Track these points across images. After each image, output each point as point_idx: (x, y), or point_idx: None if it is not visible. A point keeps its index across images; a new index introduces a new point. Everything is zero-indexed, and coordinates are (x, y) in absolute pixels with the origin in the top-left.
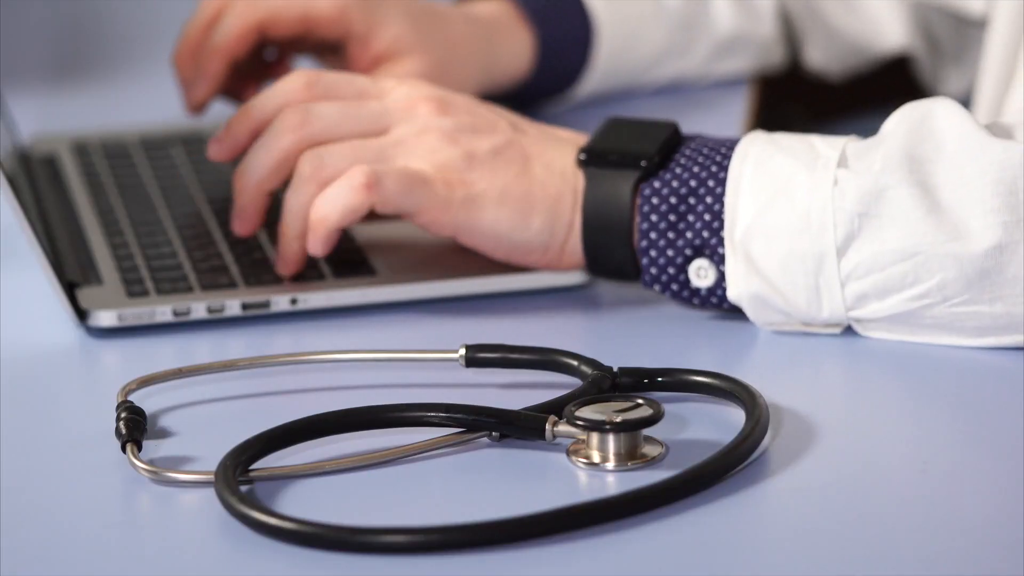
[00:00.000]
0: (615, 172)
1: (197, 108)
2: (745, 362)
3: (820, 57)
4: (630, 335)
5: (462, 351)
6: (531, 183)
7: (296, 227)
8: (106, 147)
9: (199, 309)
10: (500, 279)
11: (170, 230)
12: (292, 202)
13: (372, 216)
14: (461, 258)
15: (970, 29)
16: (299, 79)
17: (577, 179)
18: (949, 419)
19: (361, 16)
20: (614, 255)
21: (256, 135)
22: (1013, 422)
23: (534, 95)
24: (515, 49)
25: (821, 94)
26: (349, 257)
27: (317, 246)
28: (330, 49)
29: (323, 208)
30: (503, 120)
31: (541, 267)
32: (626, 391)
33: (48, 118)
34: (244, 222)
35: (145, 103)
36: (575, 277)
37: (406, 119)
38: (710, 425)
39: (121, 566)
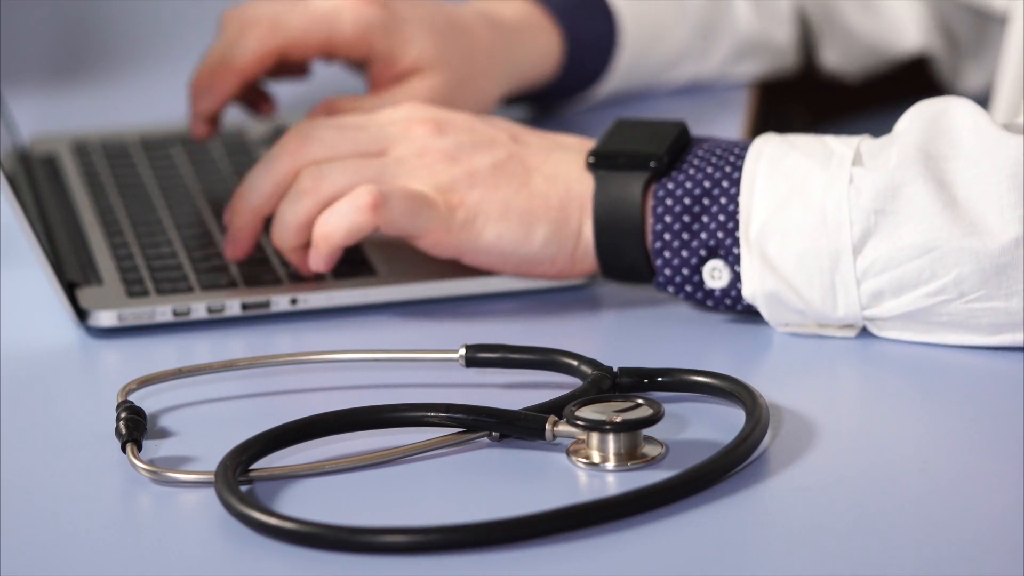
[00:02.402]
0: (625, 174)
1: (203, 126)
2: (745, 362)
3: (836, 59)
4: (630, 335)
5: (462, 351)
6: (532, 196)
7: (288, 239)
8: (106, 147)
9: (199, 309)
10: (500, 279)
11: (170, 230)
12: (286, 213)
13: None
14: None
15: (990, 25)
16: (300, 127)
17: (583, 185)
18: (949, 420)
19: (384, 37)
20: (627, 257)
21: (259, 220)
22: (1013, 424)
23: (557, 96)
24: (541, 50)
25: (823, 95)
26: (349, 257)
27: (320, 263)
28: (353, 65)
29: (327, 226)
30: (503, 133)
31: (552, 278)
32: (626, 391)
33: (48, 118)
34: (237, 247)
35: (145, 103)
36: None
37: (404, 140)
38: (710, 425)
39: (121, 566)
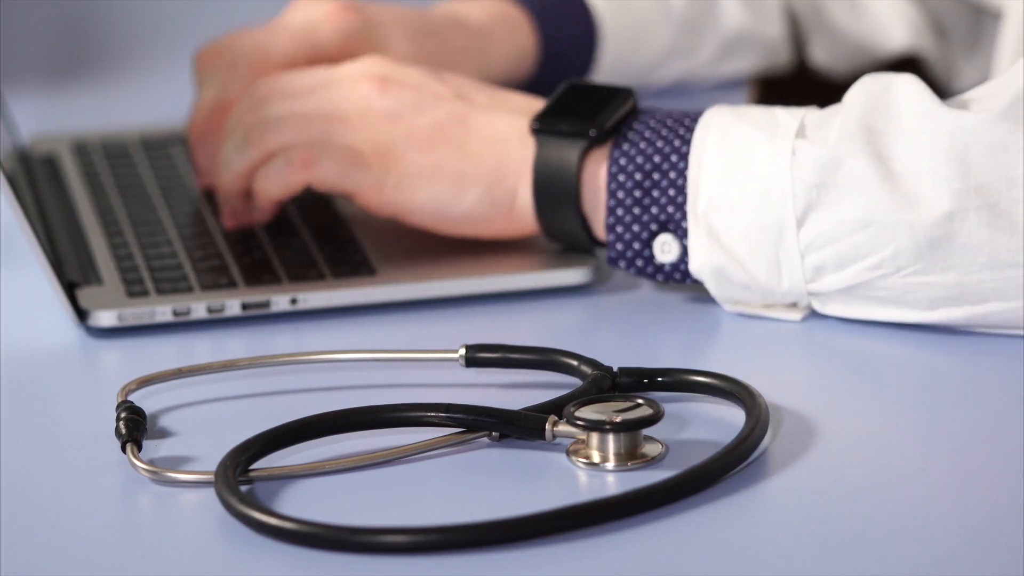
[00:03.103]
0: (565, 140)
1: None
2: (745, 363)
3: (825, 57)
4: (630, 335)
5: (462, 351)
6: (466, 156)
7: (229, 183)
8: (106, 147)
9: (199, 309)
10: (500, 279)
11: (170, 230)
12: (232, 159)
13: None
14: (461, 258)
15: (984, 20)
16: (260, 89)
17: (523, 149)
18: (949, 420)
19: (365, 40)
20: (565, 223)
21: (242, 193)
22: (1013, 424)
23: (539, 95)
24: (515, 50)
25: (820, 93)
26: (349, 257)
27: (260, 215)
28: None
29: (264, 183)
30: (449, 91)
31: (490, 236)
32: (626, 391)
33: (48, 118)
34: (226, 217)
35: (145, 103)
36: (576, 277)
37: (348, 100)
38: (710, 425)
39: (121, 566)
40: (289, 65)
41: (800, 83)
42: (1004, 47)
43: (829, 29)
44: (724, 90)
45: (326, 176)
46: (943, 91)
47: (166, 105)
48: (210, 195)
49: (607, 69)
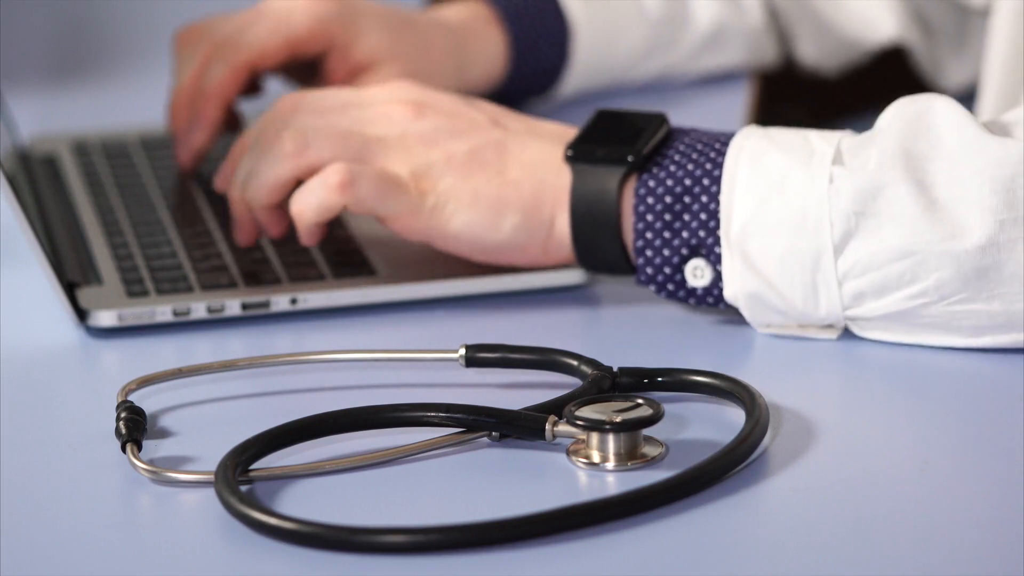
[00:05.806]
0: (602, 168)
1: (194, 159)
2: (745, 363)
3: (812, 52)
4: (630, 335)
5: (462, 351)
6: (505, 184)
7: (261, 197)
8: (106, 147)
9: (199, 309)
10: (500, 279)
11: (170, 230)
12: (265, 172)
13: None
14: (461, 258)
15: (971, 17)
16: (286, 103)
17: (560, 177)
18: (948, 420)
19: (341, 27)
20: (605, 252)
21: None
22: (1012, 425)
23: (513, 95)
24: (488, 50)
25: (821, 93)
26: (349, 257)
27: (303, 239)
28: (308, 68)
29: (300, 204)
30: (484, 117)
31: (524, 266)
32: (626, 391)
33: (48, 118)
34: (244, 234)
35: (145, 103)
36: (575, 277)
37: (384, 121)
38: (710, 425)
39: (121, 566)
40: (266, 51)
41: (801, 81)
42: (993, 45)
43: (813, 22)
44: (713, 84)
45: (364, 199)
46: (929, 86)
47: (166, 105)
48: (208, 192)
49: (582, 67)
